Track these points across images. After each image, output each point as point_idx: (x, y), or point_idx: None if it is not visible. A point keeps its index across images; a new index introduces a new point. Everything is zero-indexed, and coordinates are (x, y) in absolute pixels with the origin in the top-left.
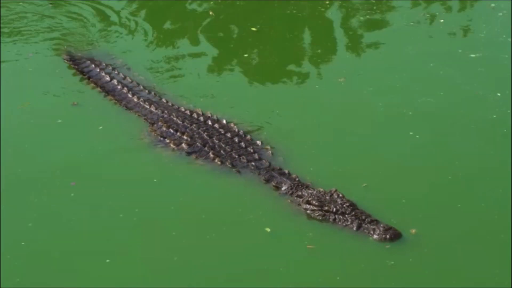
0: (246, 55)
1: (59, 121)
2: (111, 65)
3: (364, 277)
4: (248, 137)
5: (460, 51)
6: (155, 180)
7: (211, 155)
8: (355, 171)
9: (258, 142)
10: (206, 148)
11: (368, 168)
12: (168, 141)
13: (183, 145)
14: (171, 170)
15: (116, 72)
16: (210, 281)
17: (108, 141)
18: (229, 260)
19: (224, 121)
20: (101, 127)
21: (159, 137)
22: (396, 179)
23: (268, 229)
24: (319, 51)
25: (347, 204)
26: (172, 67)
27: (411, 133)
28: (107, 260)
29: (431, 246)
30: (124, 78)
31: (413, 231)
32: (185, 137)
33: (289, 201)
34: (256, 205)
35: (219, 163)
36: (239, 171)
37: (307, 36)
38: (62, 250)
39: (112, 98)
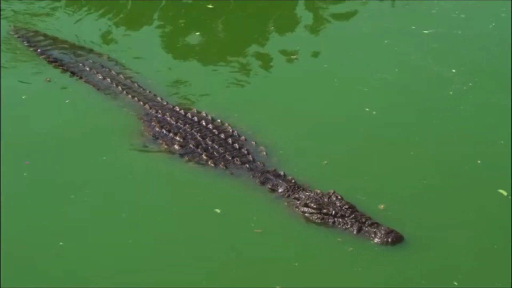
0: (198, 33)
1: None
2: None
3: (320, 263)
4: (243, 137)
5: (413, 27)
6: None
7: (204, 157)
8: (314, 148)
9: (253, 143)
10: (199, 150)
11: (326, 145)
12: (160, 141)
13: (176, 146)
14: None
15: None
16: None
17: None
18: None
19: (219, 121)
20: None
21: (152, 138)
22: (355, 156)
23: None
24: (272, 28)
25: (346, 207)
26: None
27: (367, 109)
28: (61, 243)
29: (400, 221)
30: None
31: (381, 206)
32: (177, 138)
33: (285, 203)
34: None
35: (212, 165)
36: (232, 173)
37: (261, 14)
38: (12, 230)
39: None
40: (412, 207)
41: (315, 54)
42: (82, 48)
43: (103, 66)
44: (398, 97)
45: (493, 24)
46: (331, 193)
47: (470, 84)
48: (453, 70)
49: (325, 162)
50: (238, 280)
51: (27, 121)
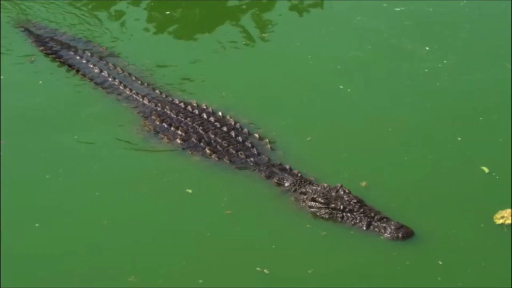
0: (168, 12)
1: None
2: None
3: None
4: (246, 130)
5: (385, 5)
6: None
7: (208, 151)
8: (295, 125)
9: (256, 135)
10: (201, 144)
11: (306, 122)
12: (162, 136)
13: (178, 140)
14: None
15: (104, 62)
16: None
17: None
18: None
19: (220, 114)
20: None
21: (153, 132)
22: (335, 133)
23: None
24: (244, 7)
25: (355, 201)
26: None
27: (341, 86)
28: (36, 224)
29: (383, 198)
30: (115, 68)
31: (363, 183)
32: (179, 132)
33: (292, 198)
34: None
35: (216, 159)
36: (237, 167)
37: None
38: None
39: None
40: (394, 184)
41: (288, 32)
42: (80, 40)
43: (100, 59)
44: (373, 74)
45: (465, 1)
46: (338, 187)
47: (445, 61)
48: (427, 48)
49: (309, 138)
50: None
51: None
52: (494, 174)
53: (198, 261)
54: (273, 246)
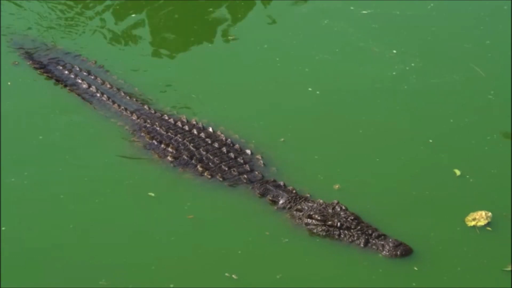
0: (133, 15)
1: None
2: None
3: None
4: (237, 146)
5: (352, 8)
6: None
7: (200, 168)
8: (267, 127)
9: (248, 151)
10: (193, 161)
11: (278, 124)
12: (152, 153)
13: (169, 158)
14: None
15: (92, 77)
16: None
17: None
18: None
19: (211, 129)
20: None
21: (143, 148)
22: (306, 135)
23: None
24: (210, 9)
25: (351, 218)
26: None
27: (310, 89)
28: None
29: (357, 201)
30: (103, 83)
31: (337, 186)
32: (170, 149)
33: (288, 215)
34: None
35: (209, 176)
36: (230, 185)
37: None
38: None
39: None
40: (367, 187)
41: (255, 35)
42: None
43: (89, 73)
44: (341, 77)
45: (432, 4)
46: (335, 204)
47: (412, 64)
48: (394, 51)
49: (282, 139)
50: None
51: None
52: (468, 176)
53: (167, 266)
54: (239, 252)
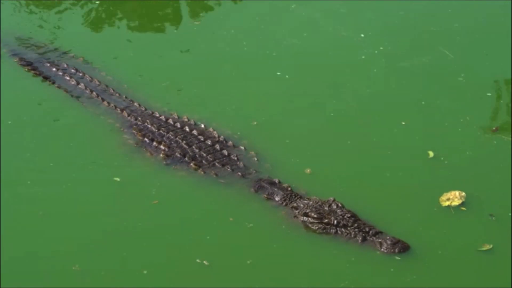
0: (97, 2)
1: None
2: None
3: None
4: (230, 142)
5: None
6: None
7: (193, 166)
8: (238, 111)
9: (242, 148)
10: (186, 159)
11: (248, 108)
12: (144, 151)
13: (161, 155)
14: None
15: (81, 74)
16: None
17: None
18: None
19: (203, 126)
20: None
21: (134, 147)
22: (277, 119)
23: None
24: None
25: (348, 215)
26: None
27: (278, 73)
28: None
29: (329, 185)
30: (91, 80)
31: (308, 170)
32: (162, 147)
33: (283, 213)
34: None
35: (202, 173)
36: (224, 182)
37: None
38: None
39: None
40: (340, 170)
41: (222, 20)
42: (56, 50)
43: (77, 70)
44: (310, 61)
45: None
46: (331, 201)
47: (381, 48)
48: (362, 35)
49: (255, 122)
50: None
51: None
52: (442, 158)
53: (138, 253)
54: (208, 237)
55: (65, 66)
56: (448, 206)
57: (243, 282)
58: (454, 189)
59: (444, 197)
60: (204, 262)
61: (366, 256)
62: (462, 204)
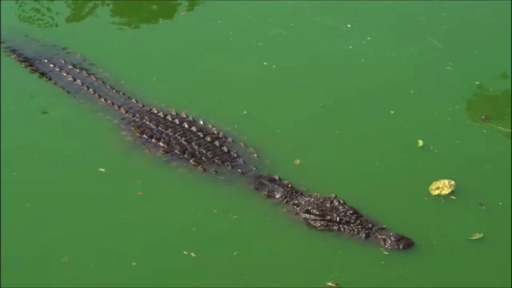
0: None
1: None
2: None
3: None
4: (230, 139)
5: None
6: None
7: (193, 163)
8: (229, 100)
9: (242, 145)
10: (185, 155)
11: (238, 98)
12: (143, 147)
13: (160, 152)
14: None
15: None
16: None
17: None
18: None
19: (202, 122)
20: None
21: (133, 143)
22: (266, 109)
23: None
24: None
25: (350, 212)
26: None
27: (265, 63)
28: None
29: (319, 176)
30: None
31: (298, 161)
32: (161, 144)
33: (284, 210)
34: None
35: (202, 170)
36: (224, 179)
37: None
38: None
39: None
40: (330, 161)
41: (208, 10)
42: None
43: (74, 66)
44: (297, 51)
45: None
46: (332, 198)
47: (368, 38)
48: (349, 25)
49: (245, 112)
50: None
51: None
52: (431, 147)
53: (127, 245)
54: (194, 229)
55: (63, 62)
56: (438, 195)
57: (230, 273)
58: (444, 178)
59: (433, 186)
60: (192, 254)
61: (356, 248)
62: (452, 193)
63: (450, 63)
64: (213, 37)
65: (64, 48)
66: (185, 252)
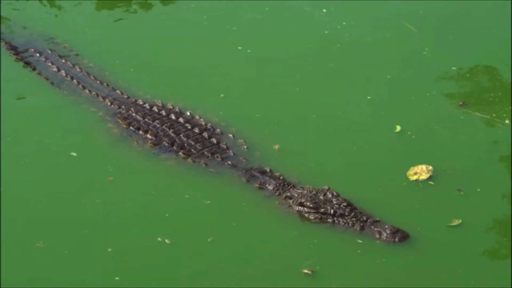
0: None
1: None
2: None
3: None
4: (218, 130)
5: None
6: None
7: (182, 155)
8: (205, 84)
9: (230, 136)
10: (174, 147)
11: (213, 82)
12: (130, 139)
13: (148, 144)
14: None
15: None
16: None
17: None
18: None
19: (189, 114)
20: None
21: (120, 136)
22: (243, 93)
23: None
24: None
25: (344, 204)
26: None
27: (239, 47)
28: None
29: (298, 161)
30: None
31: (276, 147)
32: (149, 136)
33: (277, 202)
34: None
35: (191, 162)
36: (214, 171)
37: None
38: None
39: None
40: (308, 146)
41: None
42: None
43: (60, 56)
44: (272, 36)
45: None
46: (325, 190)
47: (344, 23)
48: (324, 10)
49: (222, 95)
50: None
51: None
52: (409, 133)
53: (99, 229)
54: (167, 215)
55: (49, 51)
56: (416, 180)
57: (204, 260)
58: (421, 163)
59: (411, 171)
60: (166, 240)
61: (332, 237)
62: (430, 178)
63: (427, 48)
64: (186, 21)
65: (51, 38)
66: (159, 239)
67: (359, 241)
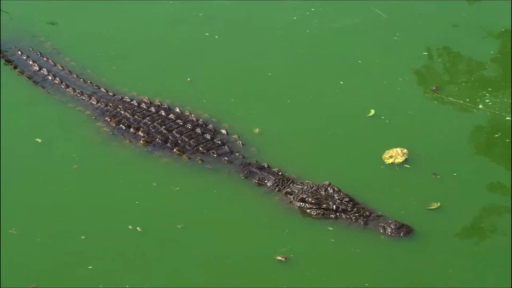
0: None
1: None
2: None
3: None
4: (211, 126)
5: None
6: None
7: (177, 152)
8: (172, 71)
9: (223, 131)
10: (168, 144)
11: (183, 67)
12: (122, 138)
13: (141, 142)
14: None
15: (45, 59)
16: None
17: None
18: None
19: (178, 109)
20: None
21: (110, 134)
22: (215, 79)
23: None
24: None
25: (346, 200)
26: None
27: (206, 34)
28: None
29: (277, 144)
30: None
31: (257, 130)
32: (141, 134)
33: (277, 198)
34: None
35: (187, 159)
36: (210, 168)
37: None
38: None
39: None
40: (285, 130)
41: None
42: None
43: (41, 55)
44: (239, 22)
45: None
46: (326, 185)
47: (312, 9)
48: None
49: (189, 79)
50: None
51: None
52: (383, 117)
53: (72, 219)
54: (136, 202)
55: (30, 49)
56: (392, 163)
57: (174, 246)
58: (396, 147)
59: (386, 154)
60: (137, 228)
61: (306, 224)
62: (405, 161)
63: (397, 33)
64: (150, 7)
65: (34, 36)
66: (130, 227)
67: (330, 228)
